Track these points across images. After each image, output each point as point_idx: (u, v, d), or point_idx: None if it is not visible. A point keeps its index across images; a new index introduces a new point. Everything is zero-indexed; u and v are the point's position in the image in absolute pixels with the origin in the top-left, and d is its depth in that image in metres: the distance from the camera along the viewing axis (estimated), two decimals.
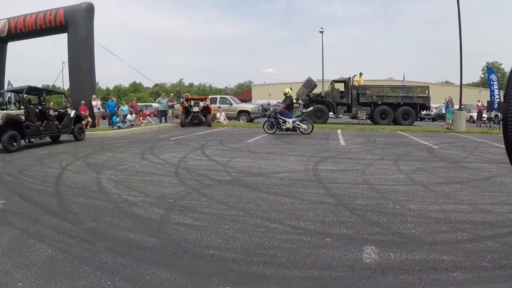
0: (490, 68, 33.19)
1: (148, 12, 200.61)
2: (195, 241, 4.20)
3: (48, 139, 16.98)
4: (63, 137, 17.46)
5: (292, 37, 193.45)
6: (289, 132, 17.73)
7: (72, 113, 17.04)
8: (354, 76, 29.24)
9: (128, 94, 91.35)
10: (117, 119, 22.42)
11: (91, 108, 23.06)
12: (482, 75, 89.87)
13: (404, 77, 41.36)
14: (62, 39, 26.40)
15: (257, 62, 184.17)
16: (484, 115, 30.16)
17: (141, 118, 26.10)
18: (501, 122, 20.99)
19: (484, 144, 15.23)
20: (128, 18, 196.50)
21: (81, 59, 24.41)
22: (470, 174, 8.48)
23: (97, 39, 25.97)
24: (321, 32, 47.42)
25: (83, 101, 22.08)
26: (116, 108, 24.30)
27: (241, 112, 29.68)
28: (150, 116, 30.35)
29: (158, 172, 8.42)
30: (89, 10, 25.03)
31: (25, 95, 15.68)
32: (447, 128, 24.35)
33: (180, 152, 11.48)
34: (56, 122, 16.29)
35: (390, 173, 8.14)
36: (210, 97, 29.35)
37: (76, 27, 24.53)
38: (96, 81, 27.22)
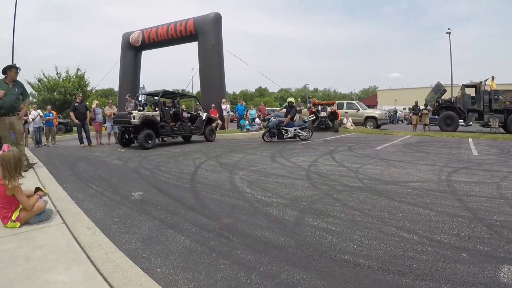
0: None
1: (272, 19, 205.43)
2: (330, 245, 4.05)
3: (180, 139, 17.94)
4: (194, 137, 18.34)
5: (416, 39, 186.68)
6: (287, 139, 17.33)
7: (204, 115, 18.08)
8: (485, 80, 26.66)
9: (254, 99, 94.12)
10: (244, 122, 23.12)
11: (220, 111, 24.20)
12: None
13: None
14: (191, 47, 28.00)
15: (381, 67, 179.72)
16: None
17: None
18: None
19: None
20: (252, 26, 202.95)
21: (211, 65, 25.81)
22: None
23: (225, 46, 27.15)
24: (448, 33, 44.46)
25: (213, 105, 23.20)
26: (244, 111, 25.03)
27: (368, 118, 29.04)
28: None
29: (290, 175, 8.37)
30: (217, 19, 26.57)
31: (160, 98, 16.80)
32: None
33: (309, 156, 11.39)
34: (189, 124, 17.38)
35: None
36: (336, 102, 29.05)
37: (205, 36, 26.15)
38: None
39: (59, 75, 38.71)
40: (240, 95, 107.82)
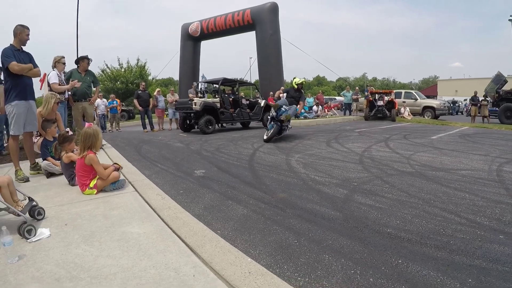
0: None
1: (329, 8, 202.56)
2: (375, 219, 4.31)
3: (239, 125, 18.41)
4: (253, 124, 18.74)
5: (479, 28, 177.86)
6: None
7: (262, 102, 18.32)
8: None
9: (311, 87, 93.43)
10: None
11: (277, 99, 24.39)
12: None
13: None
14: (249, 36, 28.34)
15: (442, 56, 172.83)
16: None
17: (326, 110, 26.75)
18: None
19: None
20: (311, 14, 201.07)
21: (269, 54, 26.09)
22: None
23: (283, 35, 27.35)
24: (511, 20, 41.88)
25: (271, 92, 23.44)
26: None
27: (426, 108, 28.17)
28: (334, 109, 30.85)
29: (343, 159, 8.57)
30: (274, 9, 26.77)
31: (220, 86, 17.37)
32: None
33: (364, 143, 11.47)
34: (248, 110, 17.75)
35: None
36: (394, 91, 28.66)
37: (262, 25, 26.48)
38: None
39: (121, 65, 40.32)
40: None
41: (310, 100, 26.13)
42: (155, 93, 19.11)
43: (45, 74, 9.30)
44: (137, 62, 41.84)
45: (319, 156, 8.87)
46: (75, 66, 9.93)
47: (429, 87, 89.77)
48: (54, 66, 9.14)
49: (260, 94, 21.47)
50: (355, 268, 3.11)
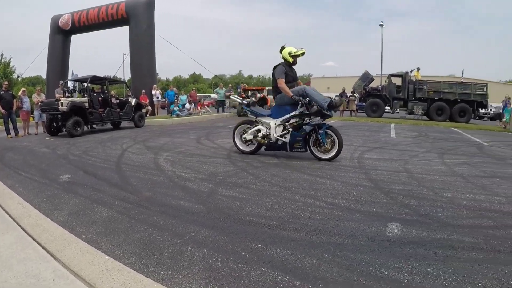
0: None
1: (209, 5, 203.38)
2: (237, 210, 4.71)
3: (109, 125, 17.94)
4: (124, 123, 18.42)
5: (354, 31, 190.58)
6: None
7: (133, 101, 18.06)
8: (411, 71, 28.63)
9: (187, 85, 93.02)
10: (174, 107, 23.33)
11: (151, 97, 24.22)
12: None
13: (462, 74, 40.36)
14: (123, 31, 27.50)
15: (317, 55, 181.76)
16: None
17: (199, 107, 26.97)
18: None
19: None
20: (189, 10, 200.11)
21: (142, 51, 25.52)
22: None
23: (158, 31, 26.92)
24: (381, 25, 46.40)
25: (143, 90, 23.26)
26: (175, 97, 25.21)
27: None
28: (208, 106, 31.19)
29: (212, 154, 8.98)
30: (150, 3, 26.06)
31: (89, 84, 16.70)
32: (504, 127, 23.68)
33: None
34: (118, 110, 17.35)
35: (433, 164, 8.22)
36: (267, 88, 29.64)
37: (137, 20, 25.62)
38: (156, 71, 28.26)
39: None
40: (173, 81, 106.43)
41: (183, 98, 26.17)
42: (19, 93, 17.86)
43: None
44: (1, 59, 38.79)
45: (188, 153, 9.18)
46: None
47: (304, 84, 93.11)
48: None
49: (131, 92, 21.00)
50: (217, 256, 3.41)
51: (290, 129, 8.16)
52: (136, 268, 3.16)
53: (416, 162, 8.32)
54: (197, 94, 33.40)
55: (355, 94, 28.31)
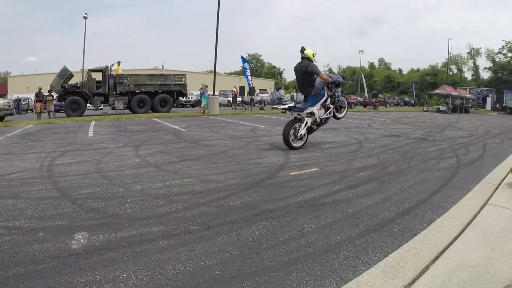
0: (244, 58, 36.31)
1: None
2: None
3: None
4: None
5: (59, 22, 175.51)
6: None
7: None
8: (112, 65, 28.50)
9: None
10: None
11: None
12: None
13: (163, 66, 42.47)
14: None
15: (17, 49, 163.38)
16: (239, 98, 33.09)
17: None
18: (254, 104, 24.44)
19: (232, 124, 16.71)
20: None
21: None
22: (206, 150, 9.32)
23: None
24: (85, 17, 43.94)
25: None
26: None
27: None
28: None
29: None
30: None
31: None
32: (203, 112, 25.77)
33: None
34: None
35: (127, 159, 8.30)
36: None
37: None
38: None
39: None
40: None
41: None
42: None
43: None
44: None
45: None
46: None
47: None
48: None
49: None
50: None
51: (331, 106, 10.53)
52: None
53: (110, 160, 8.25)
54: None
55: (52, 93, 26.26)
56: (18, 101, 40.38)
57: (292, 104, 10.81)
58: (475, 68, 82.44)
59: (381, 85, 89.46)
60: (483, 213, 4.53)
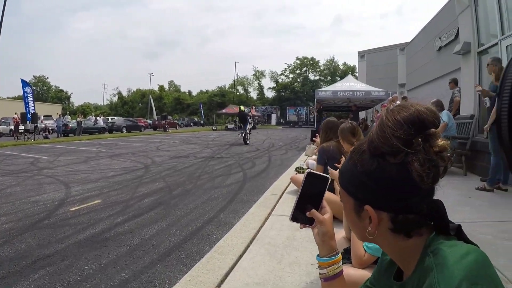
0: (25, 81, 32.90)
1: None
2: None
3: None
4: None
5: None
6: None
7: None
8: None
9: None
10: None
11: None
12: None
13: None
14: None
15: None
16: (21, 126, 29.66)
17: None
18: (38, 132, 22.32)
19: (11, 156, 14.76)
20: None
21: None
22: None
23: None
24: None
25: None
26: None
27: None
28: None
29: None
30: None
31: None
32: None
33: None
34: None
35: None
36: None
37: None
38: None
39: None
40: None
41: None
42: None
43: None
44: None
45: None
46: None
47: None
48: None
49: None
50: None
51: None
52: None
53: None
54: None
55: None
56: None
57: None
58: (260, 88, 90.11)
59: (171, 107, 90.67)
60: (267, 225, 4.53)
